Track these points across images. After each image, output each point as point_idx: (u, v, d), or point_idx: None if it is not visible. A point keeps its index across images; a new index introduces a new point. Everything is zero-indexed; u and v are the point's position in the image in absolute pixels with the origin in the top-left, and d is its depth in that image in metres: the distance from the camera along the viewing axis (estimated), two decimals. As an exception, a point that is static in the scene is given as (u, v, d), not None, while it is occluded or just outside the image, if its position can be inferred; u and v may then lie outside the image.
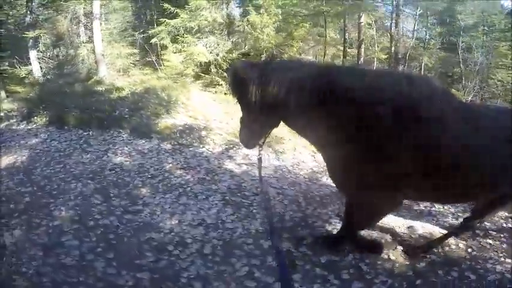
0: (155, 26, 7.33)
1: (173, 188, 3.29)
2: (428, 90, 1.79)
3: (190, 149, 4.33)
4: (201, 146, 4.39)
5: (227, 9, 5.54)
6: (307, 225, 2.68)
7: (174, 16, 6.18)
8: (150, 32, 6.60)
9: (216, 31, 6.05)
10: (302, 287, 1.99)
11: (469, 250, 2.39)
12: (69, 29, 6.53)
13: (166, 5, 6.19)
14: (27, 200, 2.98)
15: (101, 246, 2.31)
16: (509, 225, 2.75)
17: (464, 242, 2.46)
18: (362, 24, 7.48)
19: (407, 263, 2.21)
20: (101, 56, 6.66)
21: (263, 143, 2.05)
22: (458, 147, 1.74)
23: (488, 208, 2.29)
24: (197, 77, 6.62)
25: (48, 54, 6.82)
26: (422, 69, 9.43)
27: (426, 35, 9.22)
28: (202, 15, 5.63)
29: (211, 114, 5.08)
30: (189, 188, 3.29)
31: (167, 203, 2.98)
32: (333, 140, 1.82)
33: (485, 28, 9.02)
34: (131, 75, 7.57)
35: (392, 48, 7.66)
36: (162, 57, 7.07)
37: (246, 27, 5.20)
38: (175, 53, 6.30)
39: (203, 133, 4.55)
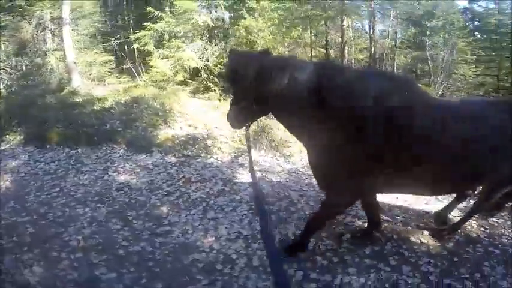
0: (131, 30, 6.98)
1: (195, 203, 3.18)
2: (401, 88, 1.94)
3: (198, 160, 4.20)
4: (209, 156, 4.28)
5: (216, 12, 5.46)
6: (339, 222, 2.72)
7: (156, 20, 5.95)
8: (132, 37, 6.26)
9: (204, 35, 5.93)
10: (360, 278, 2.07)
11: (482, 229, 2.66)
12: (34, 35, 5.95)
13: (150, 8, 5.92)
14: (31, 231, 2.70)
15: (145, 277, 2.16)
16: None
17: (476, 222, 2.71)
18: (344, 26, 7.85)
19: (439, 244, 2.42)
20: (73, 64, 6.19)
21: (249, 125, 2.14)
22: (431, 142, 1.86)
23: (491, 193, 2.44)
24: (183, 83, 6.43)
25: (10, 63, 6.16)
26: (395, 67, 10.14)
27: (397, 35, 9.87)
28: (192, 18, 5.48)
29: (210, 121, 4.96)
30: (212, 201, 3.20)
31: (195, 220, 2.87)
32: (316, 136, 1.94)
33: (447, 27, 9.87)
34: (107, 84, 7.14)
35: (372, 49, 8.13)
36: (146, 63, 6.74)
37: (240, 31, 5.17)
38: (162, 58, 6.05)
39: (209, 142, 4.44)
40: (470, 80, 7.87)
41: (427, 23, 9.02)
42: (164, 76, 5.90)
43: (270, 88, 1.88)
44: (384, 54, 8.51)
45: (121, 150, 4.39)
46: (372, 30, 8.16)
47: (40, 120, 4.92)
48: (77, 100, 5.68)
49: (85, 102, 5.53)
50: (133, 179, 3.68)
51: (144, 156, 4.23)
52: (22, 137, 4.82)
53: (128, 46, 7.64)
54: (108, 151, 4.38)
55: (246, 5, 5.34)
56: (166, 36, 6.01)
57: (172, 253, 2.41)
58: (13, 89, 5.90)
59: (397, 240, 2.46)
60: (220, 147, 4.39)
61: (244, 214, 2.95)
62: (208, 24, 5.56)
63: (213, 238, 2.57)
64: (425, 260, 2.24)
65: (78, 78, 6.29)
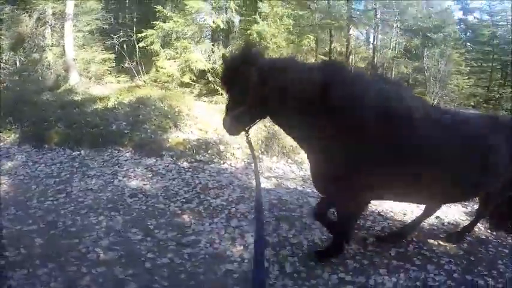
0: (134, 29, 6.64)
1: (217, 210, 2.97)
2: (406, 98, 1.93)
3: (212, 165, 3.98)
4: (222, 162, 4.06)
5: (226, 14, 5.28)
6: (360, 227, 2.71)
7: (164, 20, 5.68)
8: (139, 35, 5.94)
9: (213, 37, 5.72)
10: (392, 278, 2.12)
11: (488, 231, 2.76)
12: (34, 30, 5.52)
13: (159, 8, 5.64)
14: (39, 242, 2.39)
15: (182, 292, 1.93)
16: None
17: (483, 225, 2.80)
18: (350, 36, 7.88)
19: (454, 245, 2.53)
20: (72, 62, 5.80)
21: (248, 129, 2.04)
22: (428, 151, 1.86)
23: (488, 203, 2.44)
24: (186, 85, 6.18)
25: (4, 58, 5.68)
26: (393, 76, 10.18)
27: (397, 46, 9.81)
28: (204, 19, 5.27)
29: (219, 126, 4.74)
30: (234, 209, 3.01)
31: (220, 228, 2.68)
32: (316, 141, 1.89)
33: (448, 38, 9.86)
34: (105, 83, 6.75)
35: (375, 59, 8.19)
36: (147, 63, 6.44)
37: (254, 35, 5.01)
38: (169, 59, 5.78)
39: (221, 148, 4.22)
40: (463, 91, 8.06)
41: (432, 35, 9.02)
42: (169, 77, 5.62)
43: (270, 90, 1.81)
44: (385, 64, 8.57)
45: (128, 153, 4.09)
46: (375, 40, 8.23)
47: (38, 119, 4.54)
48: (76, 98, 5.32)
49: (85, 101, 5.17)
50: (146, 184, 3.41)
51: (154, 160, 3.96)
52: (17, 136, 4.43)
53: (128, 45, 7.28)
54: (115, 154, 4.07)
55: (259, 10, 5.19)
56: (174, 36, 5.75)
57: (203, 264, 2.22)
58: (6, 85, 5.43)
59: (417, 242, 2.53)
60: (233, 153, 4.19)
61: (268, 221, 2.78)
62: (218, 26, 5.36)
63: (242, 247, 2.42)
64: (446, 259, 2.33)
65: (76, 76, 5.90)
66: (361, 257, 2.30)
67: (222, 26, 5.37)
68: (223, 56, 2.15)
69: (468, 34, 9.04)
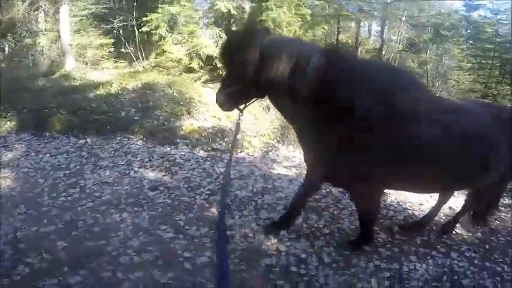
0: (134, 13, 6.04)
1: (243, 202, 2.73)
2: (411, 86, 1.84)
3: (228, 154, 3.68)
4: (239, 150, 3.78)
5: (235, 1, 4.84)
6: (385, 216, 2.70)
7: (170, 2, 5.16)
8: (145, 19, 5.37)
9: (222, 22, 5.27)
10: (422, 264, 2.14)
11: (497, 222, 2.80)
12: (26, 14, 4.87)
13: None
14: (62, 245, 2.07)
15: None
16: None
17: (492, 216, 2.78)
18: (360, 27, 7.57)
19: (470, 234, 2.56)
20: (68, 47, 5.23)
21: (243, 108, 1.92)
22: (434, 140, 1.77)
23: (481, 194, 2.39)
24: (190, 70, 5.74)
25: None
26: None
27: (402, 39, 9.26)
28: (216, 4, 4.80)
29: (231, 113, 4.42)
30: (260, 200, 2.78)
31: (250, 221, 2.45)
32: (314, 124, 1.78)
33: (455, 35, 9.57)
34: (103, 68, 6.20)
35: (383, 52, 7.93)
36: (147, 48, 5.92)
37: (269, 22, 4.61)
38: (176, 44, 5.31)
39: (238, 136, 3.90)
40: (462, 86, 8.02)
41: (444, 31, 8.70)
42: (177, 62, 5.17)
43: (270, 72, 1.67)
44: (391, 57, 8.28)
45: (139, 142, 3.73)
46: (383, 34, 7.94)
47: (37, 105, 4.04)
48: (75, 84, 4.81)
49: (86, 87, 4.69)
50: (166, 175, 3.09)
51: (169, 149, 3.62)
52: (14, 124, 3.94)
53: (124, 30, 6.66)
54: (125, 142, 3.70)
55: None
56: (181, 20, 5.25)
57: (243, 260, 2.01)
58: (-5, 70, 4.84)
59: (438, 231, 2.53)
60: (250, 141, 3.90)
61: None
62: (229, 11, 4.92)
63: (276, 240, 2.24)
64: (465, 247, 2.39)
65: (72, 62, 5.35)
66: (391, 245, 2.30)
67: (233, 11, 4.92)
68: (226, 28, 1.96)
69: (469, 31, 8.84)
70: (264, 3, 4.80)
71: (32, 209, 2.44)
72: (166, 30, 5.34)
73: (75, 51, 5.59)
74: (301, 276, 1.93)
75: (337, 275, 1.97)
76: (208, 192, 2.86)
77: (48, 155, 3.36)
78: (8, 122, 3.98)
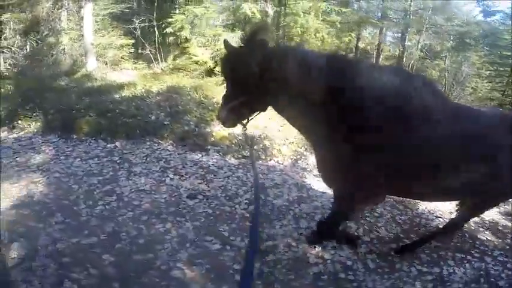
0: (154, 14, 5.86)
1: (281, 212, 2.60)
2: (418, 88, 1.73)
3: (259, 162, 3.52)
4: (269, 158, 3.62)
5: (262, 4, 4.68)
6: (419, 224, 2.70)
7: (192, 4, 4.99)
8: (169, 20, 5.19)
9: (246, 26, 5.10)
10: (460, 268, 2.19)
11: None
12: (50, 12, 4.68)
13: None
14: (108, 258, 1.91)
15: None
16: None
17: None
18: (382, 35, 7.42)
19: (498, 239, 2.59)
20: (90, 46, 5.05)
21: (247, 122, 1.84)
22: (441, 147, 1.69)
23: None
24: (209, 73, 5.56)
25: (15, 42, 4.82)
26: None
27: (422, 46, 8.93)
28: (242, 7, 4.64)
29: (256, 120, 4.26)
30: (298, 209, 2.67)
31: (292, 231, 2.35)
32: (323, 132, 1.73)
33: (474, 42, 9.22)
34: (121, 69, 6.02)
35: (404, 59, 7.74)
36: (166, 49, 5.73)
37: (297, 28, 4.46)
38: (200, 46, 5.13)
39: (267, 143, 3.76)
40: (480, 94, 7.81)
41: (471, 40, 8.44)
42: (202, 65, 5.00)
43: (276, 80, 1.62)
44: (410, 65, 8.08)
45: (169, 147, 3.56)
46: (405, 41, 7.77)
47: (62, 106, 3.86)
48: (99, 84, 4.62)
49: (109, 88, 4.52)
50: (201, 183, 2.93)
51: (200, 155, 3.46)
52: (40, 125, 3.76)
53: (143, 31, 6.46)
54: (154, 147, 3.52)
55: (300, 3, 4.62)
56: (204, 23, 5.08)
57: (290, 270, 1.96)
58: (19, 69, 4.63)
59: (467, 237, 2.56)
60: (279, 149, 3.74)
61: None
62: (254, 15, 4.76)
63: (319, 248, 2.19)
64: (497, 252, 2.41)
65: (93, 61, 5.16)
66: (430, 251, 2.31)
67: (258, 15, 4.75)
68: (225, 41, 1.82)
69: (487, 38, 8.58)
70: (289, 9, 4.65)
71: (70, 218, 2.28)
72: (190, 32, 5.15)
73: (96, 51, 5.41)
74: (350, 283, 1.94)
75: (383, 279, 2.00)
76: (247, 201, 2.72)
77: (79, 159, 3.19)
78: (34, 123, 3.80)
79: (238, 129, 3.88)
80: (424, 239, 2.32)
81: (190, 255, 2.00)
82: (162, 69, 6.33)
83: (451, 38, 7.80)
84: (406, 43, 7.52)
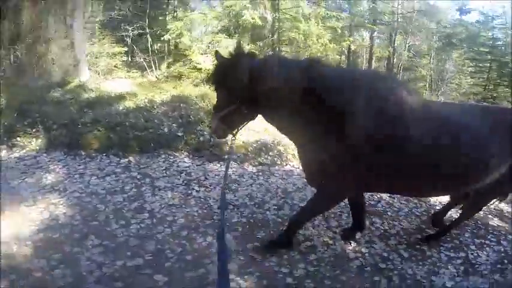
0: (147, 21, 5.64)
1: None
2: (392, 88, 1.87)
3: (276, 168, 3.57)
4: (285, 163, 3.67)
5: (261, 10, 4.69)
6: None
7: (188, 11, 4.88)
8: (169, 27, 5.01)
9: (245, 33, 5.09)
10: (483, 251, 2.38)
11: None
12: (36, 20, 4.30)
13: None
14: (162, 279, 1.88)
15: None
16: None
17: None
18: (374, 37, 7.69)
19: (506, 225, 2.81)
20: (82, 55, 4.76)
21: (236, 132, 1.99)
22: (418, 143, 1.77)
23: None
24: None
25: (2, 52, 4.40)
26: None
27: (410, 47, 9.18)
28: (244, 14, 4.62)
29: (266, 126, 4.30)
30: (326, 215, 2.70)
31: (326, 230, 2.49)
32: (308, 136, 1.84)
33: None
34: (114, 78, 5.75)
35: (394, 60, 8.09)
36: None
37: (299, 35, 4.53)
38: (203, 54, 5.03)
39: (281, 149, 3.81)
40: (463, 90, 8.27)
41: (457, 41, 8.75)
42: (203, 72, 4.91)
43: (264, 87, 1.73)
44: (400, 65, 8.44)
45: (186, 159, 3.48)
46: (394, 42, 8.11)
47: (65, 121, 3.62)
48: (98, 95, 4.38)
49: (110, 99, 4.29)
50: (227, 193, 2.91)
51: (218, 165, 3.43)
52: (42, 141, 3.50)
53: (137, 37, 6.20)
54: (171, 160, 3.43)
55: (301, 10, 4.71)
56: (203, 29, 5.01)
57: (335, 266, 2.11)
58: (7, 81, 4.24)
59: (480, 224, 2.74)
60: (294, 154, 3.80)
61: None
62: (255, 21, 4.77)
63: (354, 244, 2.35)
64: (510, 236, 2.60)
65: (86, 71, 4.88)
66: (451, 238, 2.49)
67: (259, 22, 4.78)
68: (216, 52, 1.94)
69: (464, 35, 9.02)
70: (290, 15, 4.72)
71: (106, 239, 2.18)
72: (190, 40, 5.06)
73: (88, 60, 5.11)
74: (392, 271, 2.11)
75: (419, 265, 2.17)
76: (275, 207, 2.76)
77: (95, 177, 3.02)
78: (35, 140, 3.53)
79: (252, 137, 3.96)
80: (445, 229, 2.49)
81: (238, 265, 2.01)
82: (156, 77, 6.14)
83: (436, 39, 8.27)
84: (394, 44, 7.90)
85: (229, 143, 2.00)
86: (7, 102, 3.72)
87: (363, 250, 2.28)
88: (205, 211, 2.60)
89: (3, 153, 3.36)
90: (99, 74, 5.32)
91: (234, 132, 1.95)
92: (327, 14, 5.28)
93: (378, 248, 2.32)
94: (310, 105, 1.74)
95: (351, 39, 6.83)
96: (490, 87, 7.58)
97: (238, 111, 1.81)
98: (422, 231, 2.59)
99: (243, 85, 1.72)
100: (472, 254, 2.36)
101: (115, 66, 5.62)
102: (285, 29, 4.85)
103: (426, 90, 7.95)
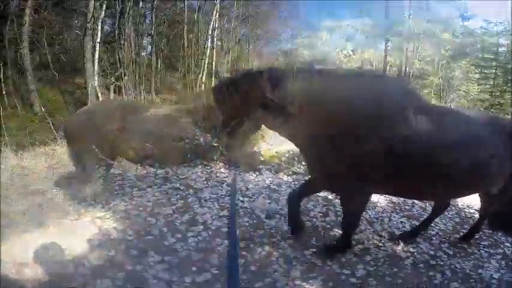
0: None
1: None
2: (396, 90, 1.95)
3: (306, 178, 3.55)
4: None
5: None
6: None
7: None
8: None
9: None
10: (497, 249, 2.48)
11: None
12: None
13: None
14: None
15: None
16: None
17: None
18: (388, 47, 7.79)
19: None
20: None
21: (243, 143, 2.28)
22: (423, 146, 1.81)
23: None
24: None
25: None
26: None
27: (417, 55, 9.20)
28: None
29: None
30: (367, 215, 2.79)
31: (373, 234, 2.56)
32: (312, 140, 1.91)
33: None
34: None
35: (406, 67, 8.15)
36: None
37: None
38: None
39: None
40: (471, 97, 8.29)
41: (469, 51, 8.63)
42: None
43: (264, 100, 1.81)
44: (411, 72, 8.53)
45: (222, 169, 3.44)
46: (406, 50, 8.21)
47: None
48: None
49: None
50: (270, 203, 2.89)
51: (254, 175, 3.40)
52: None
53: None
54: (207, 170, 3.38)
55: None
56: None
57: (392, 265, 2.18)
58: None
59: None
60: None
61: (401, 222, 2.81)
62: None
63: (402, 244, 2.40)
64: None
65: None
66: (486, 237, 2.61)
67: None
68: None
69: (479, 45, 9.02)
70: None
71: (167, 255, 2.10)
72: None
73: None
74: (442, 266, 2.21)
75: (465, 261, 2.29)
76: (321, 214, 2.77)
77: (136, 189, 2.95)
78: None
79: (284, 147, 3.95)
80: (476, 228, 2.52)
81: (301, 272, 2.01)
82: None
83: (448, 48, 8.27)
84: (407, 52, 7.95)
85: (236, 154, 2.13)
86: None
87: (411, 250, 2.36)
88: (254, 221, 2.57)
89: (32, 162, 3.25)
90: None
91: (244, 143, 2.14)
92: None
93: (423, 247, 2.41)
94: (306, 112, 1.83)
95: (372, 49, 6.95)
96: (496, 94, 7.65)
97: (242, 124, 1.95)
98: (459, 232, 2.68)
99: (247, 99, 1.82)
100: (508, 250, 2.49)
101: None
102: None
103: (433, 96, 8.02)
